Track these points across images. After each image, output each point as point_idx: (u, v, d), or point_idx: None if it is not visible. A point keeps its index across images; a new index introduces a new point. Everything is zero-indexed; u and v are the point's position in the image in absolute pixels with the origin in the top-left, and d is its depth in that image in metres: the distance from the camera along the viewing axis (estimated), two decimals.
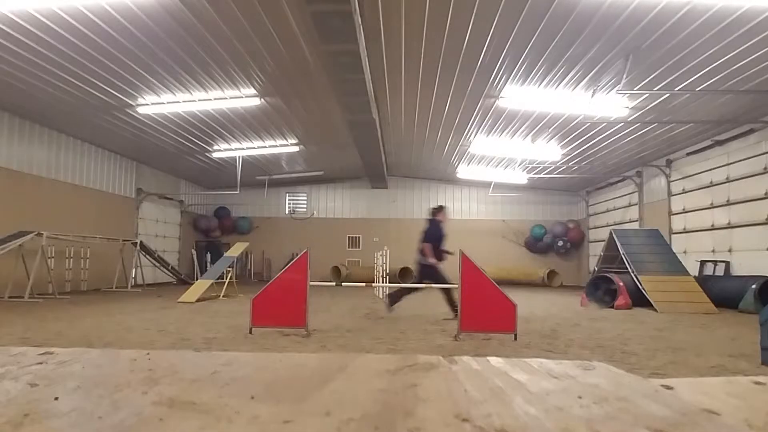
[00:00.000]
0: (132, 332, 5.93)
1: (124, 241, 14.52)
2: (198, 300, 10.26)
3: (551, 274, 19.43)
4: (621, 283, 10.00)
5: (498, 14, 7.45)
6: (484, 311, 5.58)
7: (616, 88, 9.07)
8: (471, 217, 22.03)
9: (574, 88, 10.01)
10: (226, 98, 11.01)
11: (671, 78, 8.98)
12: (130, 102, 10.88)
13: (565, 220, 21.15)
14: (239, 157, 15.75)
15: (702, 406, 0.71)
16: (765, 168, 10.88)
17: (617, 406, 0.70)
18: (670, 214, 14.40)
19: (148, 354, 1.00)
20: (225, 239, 21.31)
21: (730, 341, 5.64)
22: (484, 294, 5.63)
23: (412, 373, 0.88)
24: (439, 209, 8.11)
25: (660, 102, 10.25)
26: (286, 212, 22.53)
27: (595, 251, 18.50)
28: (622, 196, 17.62)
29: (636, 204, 16.59)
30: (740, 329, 6.73)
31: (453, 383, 0.82)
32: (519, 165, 16.37)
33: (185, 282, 16.24)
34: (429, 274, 7.83)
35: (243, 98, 11.06)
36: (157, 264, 16.27)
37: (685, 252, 13.24)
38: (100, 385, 0.81)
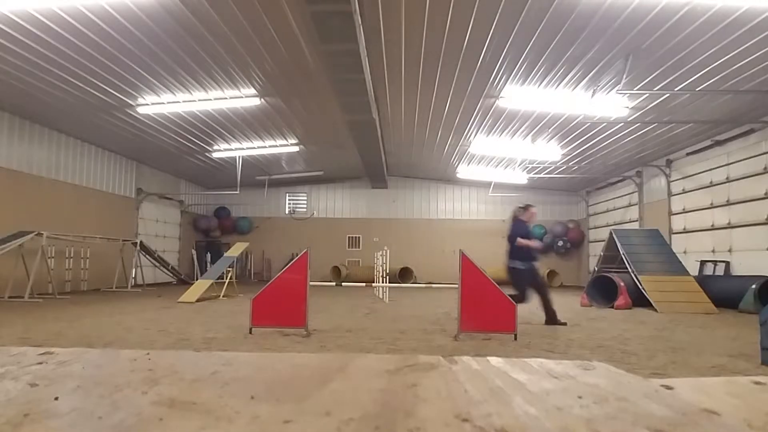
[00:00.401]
0: (132, 332, 5.92)
1: (124, 241, 14.52)
2: (198, 300, 10.26)
3: (551, 274, 19.42)
4: (621, 283, 10.00)
5: (498, 14, 7.45)
6: (484, 311, 5.58)
7: (616, 88, 9.06)
8: (471, 217, 22.03)
9: (574, 88, 10.01)
10: (226, 98, 11.01)
11: (671, 78, 8.98)
12: (130, 102, 10.88)
13: (565, 220, 21.15)
14: (239, 157, 15.76)
15: (702, 406, 0.71)
16: (765, 168, 10.88)
17: (617, 406, 0.70)
18: (670, 214, 14.40)
19: (148, 354, 1.00)
20: (225, 239, 21.32)
21: (730, 341, 5.64)
22: (484, 294, 5.62)
23: (412, 373, 0.88)
24: (525, 208, 7.46)
25: (660, 102, 10.25)
26: (286, 212, 22.53)
27: (595, 251, 18.50)
28: (622, 196, 17.62)
29: (636, 204, 16.59)
30: (740, 329, 6.73)
31: (453, 383, 0.82)
32: (519, 165, 16.38)
33: (185, 282, 16.24)
34: (523, 277, 7.04)
35: (243, 98, 11.06)
36: (157, 264, 16.28)
37: (685, 252, 13.24)
38: (100, 385, 0.81)
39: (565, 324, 6.85)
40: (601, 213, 19.45)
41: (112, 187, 15.48)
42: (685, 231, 13.79)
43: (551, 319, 6.92)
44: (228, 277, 11.92)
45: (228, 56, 8.98)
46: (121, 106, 11.12)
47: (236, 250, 12.76)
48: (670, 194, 14.50)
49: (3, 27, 7.43)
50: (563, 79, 9.69)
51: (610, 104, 10.34)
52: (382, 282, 11.86)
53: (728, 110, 10.50)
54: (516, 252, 7.02)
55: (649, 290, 9.68)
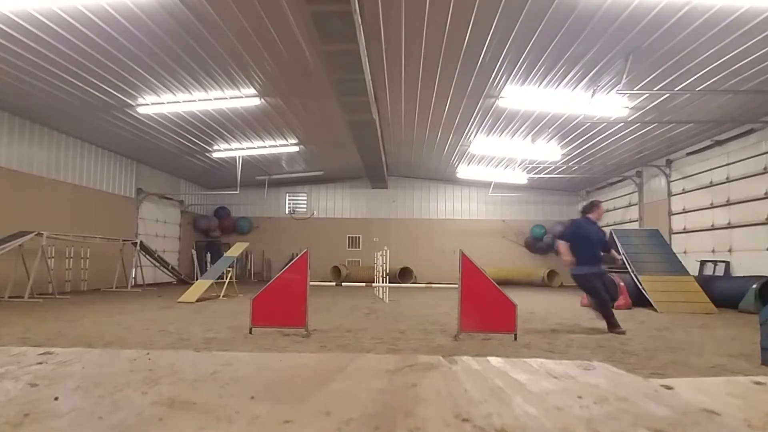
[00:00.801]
0: (132, 332, 5.93)
1: (124, 241, 14.53)
2: (198, 300, 10.26)
3: (551, 274, 19.43)
4: (621, 283, 10.00)
5: (498, 14, 7.45)
6: (484, 311, 5.58)
7: (616, 88, 9.06)
8: (471, 217, 22.04)
9: (574, 88, 10.01)
10: (226, 98, 11.01)
11: (671, 78, 8.98)
12: (130, 102, 10.88)
13: (566, 220, 21.13)
14: (239, 157, 15.76)
15: (702, 406, 0.71)
16: (765, 168, 10.88)
17: (617, 406, 0.70)
18: (670, 214, 14.40)
19: (148, 354, 1.01)
20: (225, 239, 21.32)
21: (730, 341, 5.64)
22: (484, 294, 5.63)
23: (412, 373, 0.88)
24: (593, 206, 6.75)
25: (660, 102, 10.25)
26: (286, 212, 22.53)
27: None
28: (622, 196, 17.62)
29: (636, 204, 16.60)
30: (740, 329, 6.73)
31: (453, 383, 0.82)
32: (519, 165, 16.38)
33: (185, 282, 16.24)
34: (590, 280, 6.38)
35: (243, 98, 11.06)
36: (157, 264, 16.28)
37: (685, 252, 13.24)
38: (100, 385, 0.81)
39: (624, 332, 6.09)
40: None
41: (112, 187, 15.48)
42: (685, 231, 13.79)
43: (611, 325, 6.19)
44: (228, 277, 11.93)
45: (228, 56, 8.98)
46: (121, 106, 11.12)
47: (236, 250, 12.77)
48: (670, 194, 14.50)
49: (3, 27, 7.43)
50: (563, 79, 9.68)
51: (610, 104, 10.34)
52: (382, 282, 11.86)
53: (728, 110, 10.50)
54: (584, 257, 6.35)
55: (649, 290, 9.68)
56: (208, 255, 18.71)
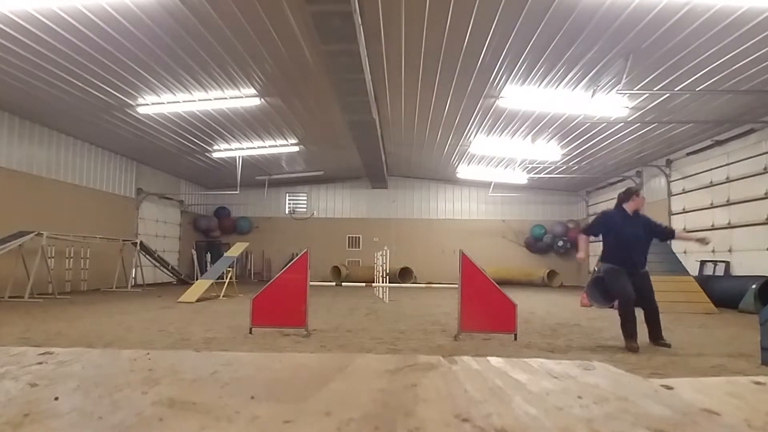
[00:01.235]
0: (132, 332, 5.92)
1: (124, 241, 14.52)
2: (198, 300, 10.26)
3: (551, 274, 19.43)
4: None
5: (498, 14, 7.45)
6: (484, 311, 5.58)
7: (616, 88, 9.06)
8: (471, 217, 22.03)
9: (574, 88, 10.01)
10: (226, 98, 11.01)
11: (671, 78, 8.98)
12: (130, 102, 10.88)
13: (565, 220, 21.15)
14: (239, 157, 15.76)
15: (702, 406, 0.71)
16: (765, 168, 10.88)
17: (617, 406, 0.70)
18: (670, 214, 14.39)
19: (148, 354, 1.01)
20: (225, 239, 21.32)
21: (730, 341, 5.64)
22: (484, 294, 5.63)
23: (412, 373, 0.88)
24: (628, 195, 5.50)
25: (660, 102, 10.25)
26: (286, 212, 22.53)
27: (595, 251, 18.47)
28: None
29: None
30: (740, 329, 6.73)
31: (453, 383, 0.82)
32: (519, 165, 16.37)
33: (185, 282, 16.24)
34: (608, 281, 5.43)
35: (243, 98, 11.06)
36: (157, 264, 16.28)
37: (685, 252, 13.23)
38: (100, 385, 0.81)
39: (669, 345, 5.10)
40: None
41: (112, 187, 15.48)
42: (685, 231, 13.79)
43: (629, 338, 5.05)
44: (228, 277, 11.92)
45: (228, 56, 8.98)
46: (121, 106, 11.12)
47: (236, 250, 12.77)
48: (670, 194, 14.49)
49: (3, 27, 7.43)
50: (563, 79, 9.68)
51: (610, 104, 10.34)
52: (382, 282, 11.86)
53: (728, 110, 10.50)
54: (609, 254, 5.47)
55: None
56: (208, 255, 18.70)
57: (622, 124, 11.62)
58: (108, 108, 11.17)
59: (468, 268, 5.66)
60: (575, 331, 6.49)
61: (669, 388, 0.79)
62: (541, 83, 9.98)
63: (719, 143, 12.15)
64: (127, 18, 7.41)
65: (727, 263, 11.92)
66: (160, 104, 11.03)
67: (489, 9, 7.32)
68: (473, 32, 8.06)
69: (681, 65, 8.49)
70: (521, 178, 17.38)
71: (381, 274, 12.39)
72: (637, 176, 16.29)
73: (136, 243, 14.95)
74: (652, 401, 0.72)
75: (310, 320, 5.93)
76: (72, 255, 13.29)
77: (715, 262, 12.26)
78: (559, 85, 9.95)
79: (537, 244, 21.04)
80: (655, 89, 9.44)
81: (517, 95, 10.61)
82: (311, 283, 5.84)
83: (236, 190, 16.84)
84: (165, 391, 0.77)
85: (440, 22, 7.79)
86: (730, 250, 11.98)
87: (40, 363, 0.95)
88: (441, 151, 16.35)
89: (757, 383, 0.81)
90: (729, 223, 12.03)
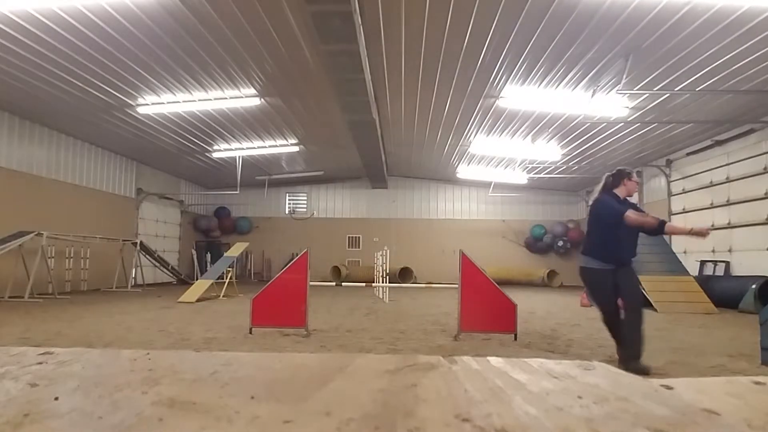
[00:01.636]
0: (132, 332, 5.92)
1: (124, 241, 14.52)
2: (198, 300, 10.26)
3: (551, 274, 19.43)
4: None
5: (498, 14, 7.45)
6: (484, 311, 5.58)
7: (616, 88, 9.06)
8: (471, 217, 22.03)
9: (574, 88, 10.01)
10: (226, 98, 11.01)
11: (671, 78, 8.98)
12: (130, 102, 10.88)
13: (565, 220, 21.15)
14: (239, 157, 15.76)
15: (702, 406, 0.71)
16: (765, 168, 10.88)
17: (617, 406, 0.70)
18: (670, 214, 14.40)
19: (148, 354, 1.01)
20: (225, 239, 21.32)
21: (730, 341, 5.64)
22: (484, 294, 5.63)
23: (412, 373, 0.88)
24: (619, 177, 4.61)
25: (660, 102, 10.25)
26: (286, 212, 22.53)
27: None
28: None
29: (636, 204, 16.58)
30: (740, 329, 6.73)
31: (453, 383, 0.82)
32: (519, 165, 16.37)
33: (185, 282, 16.24)
34: (588, 284, 4.53)
35: (243, 98, 11.06)
36: (157, 264, 16.28)
37: (685, 252, 13.23)
38: (100, 385, 0.81)
39: (647, 372, 3.86)
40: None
41: (112, 187, 15.48)
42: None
43: (627, 355, 4.04)
44: (228, 277, 11.93)
45: (228, 56, 8.98)
46: (121, 106, 11.11)
47: (236, 250, 12.77)
48: (670, 194, 14.50)
49: (3, 27, 7.42)
50: (563, 79, 9.68)
51: (610, 104, 10.34)
52: (382, 282, 11.86)
53: (728, 110, 10.50)
54: (588, 245, 4.48)
55: (649, 290, 9.67)
56: (208, 255, 18.71)
57: (622, 124, 11.62)
58: (108, 108, 11.17)
59: (468, 268, 5.66)
60: (575, 331, 6.48)
61: (669, 388, 0.79)
62: (541, 83, 9.98)
63: (719, 143, 12.15)
64: (127, 18, 7.41)
65: (727, 263, 11.92)
66: (160, 104, 11.03)
67: (489, 9, 7.32)
68: (473, 32, 8.06)
69: (681, 65, 8.48)
70: (521, 178, 17.37)
71: (381, 274, 12.39)
72: (637, 176, 16.28)
73: (136, 243, 14.95)
74: (652, 401, 0.72)
75: (310, 320, 5.93)
76: (72, 255, 13.29)
77: (715, 262, 12.26)
78: (559, 85, 9.95)
79: (537, 244, 21.04)
80: (655, 89, 9.43)
81: (517, 95, 10.61)
82: (311, 283, 5.84)
83: (236, 190, 16.84)
84: (165, 391, 0.77)
85: (440, 22, 7.79)
86: (730, 250, 11.98)
87: (40, 363, 0.95)
88: (441, 151, 16.35)
89: (757, 383, 0.81)
90: (729, 223, 12.03)
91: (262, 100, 11.21)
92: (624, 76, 8.68)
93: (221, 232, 21.80)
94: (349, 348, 4.96)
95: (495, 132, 13.52)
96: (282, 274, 5.92)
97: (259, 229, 22.22)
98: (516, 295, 6.86)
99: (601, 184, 4.68)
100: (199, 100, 10.96)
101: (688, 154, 13.42)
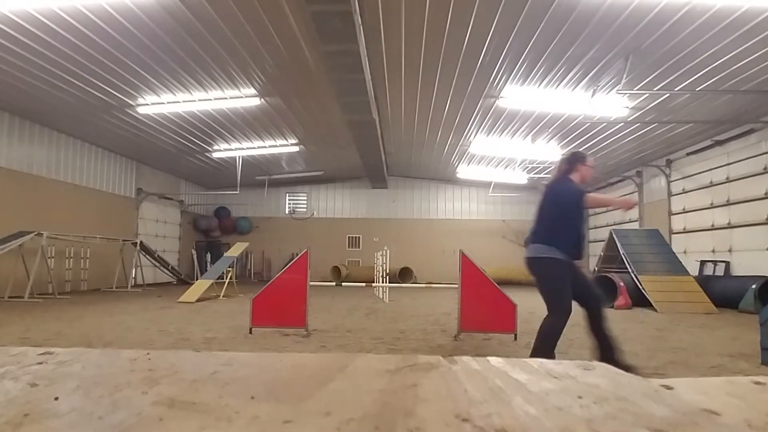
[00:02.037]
0: (132, 332, 5.92)
1: (124, 241, 14.53)
2: (198, 300, 10.26)
3: None
4: (621, 283, 9.99)
5: (498, 14, 7.45)
6: (484, 311, 5.58)
7: (616, 88, 9.07)
8: (471, 217, 22.04)
9: (574, 88, 10.01)
10: (226, 98, 11.02)
11: (671, 78, 8.98)
12: (130, 102, 10.88)
13: None
14: (239, 157, 15.76)
15: (702, 406, 0.71)
16: (765, 168, 10.88)
17: (617, 406, 0.70)
18: (670, 214, 14.40)
19: (148, 354, 1.01)
20: (225, 239, 21.33)
21: (730, 341, 5.64)
22: (484, 294, 5.63)
23: (412, 373, 0.88)
24: (574, 161, 4.23)
25: (660, 102, 10.25)
26: (286, 212, 22.53)
27: (595, 251, 18.49)
28: (622, 196, 17.61)
29: (636, 204, 16.60)
30: (740, 329, 6.73)
31: (453, 383, 0.82)
32: (519, 165, 16.37)
33: (185, 282, 16.24)
34: (553, 278, 3.83)
35: (243, 98, 11.06)
36: (157, 264, 16.28)
37: (685, 252, 13.24)
38: (100, 385, 0.81)
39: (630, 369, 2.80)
40: (601, 213, 19.45)
41: (112, 187, 15.48)
42: (685, 231, 13.79)
43: (605, 352, 3.66)
44: (228, 277, 11.93)
45: (228, 56, 8.98)
46: (121, 106, 11.12)
47: (236, 250, 12.77)
48: (670, 194, 14.50)
49: (3, 27, 7.43)
50: (563, 79, 9.68)
51: (610, 104, 10.34)
52: (382, 282, 11.86)
53: (728, 110, 10.50)
54: (550, 233, 3.93)
55: (649, 290, 9.68)
56: (208, 255, 18.72)
57: (622, 124, 11.62)
58: (108, 108, 11.17)
59: (468, 268, 5.66)
60: (575, 331, 6.48)
61: (669, 388, 0.79)
62: (541, 83, 9.98)
63: (719, 143, 12.15)
64: (127, 18, 7.42)
65: (727, 263, 11.92)
66: (160, 104, 11.03)
67: (489, 9, 7.32)
68: (473, 32, 8.06)
69: (681, 65, 8.49)
70: (521, 178, 17.38)
71: (381, 274, 12.39)
72: (637, 176, 16.30)
73: (136, 243, 14.95)
74: (652, 401, 0.72)
75: (310, 320, 5.93)
76: (72, 255, 13.29)
77: (715, 262, 12.26)
78: (559, 85, 9.95)
79: None
80: (655, 89, 9.44)
81: (517, 95, 10.61)
82: (311, 283, 5.84)
83: (236, 190, 16.84)
84: (165, 391, 0.77)
85: (440, 22, 7.79)
86: (730, 250, 11.98)
87: (40, 363, 0.95)
88: (441, 151, 16.36)
89: (757, 383, 0.81)
90: (729, 223, 12.03)
91: (262, 100, 11.21)
92: (624, 76, 8.69)
93: (221, 232, 21.80)
94: (349, 348, 4.96)
95: (495, 132, 13.52)
96: (282, 274, 5.92)
97: (259, 229, 22.22)
98: (516, 295, 6.86)
99: (554, 168, 4.31)
100: (199, 100, 10.96)
101: (688, 154, 13.42)
